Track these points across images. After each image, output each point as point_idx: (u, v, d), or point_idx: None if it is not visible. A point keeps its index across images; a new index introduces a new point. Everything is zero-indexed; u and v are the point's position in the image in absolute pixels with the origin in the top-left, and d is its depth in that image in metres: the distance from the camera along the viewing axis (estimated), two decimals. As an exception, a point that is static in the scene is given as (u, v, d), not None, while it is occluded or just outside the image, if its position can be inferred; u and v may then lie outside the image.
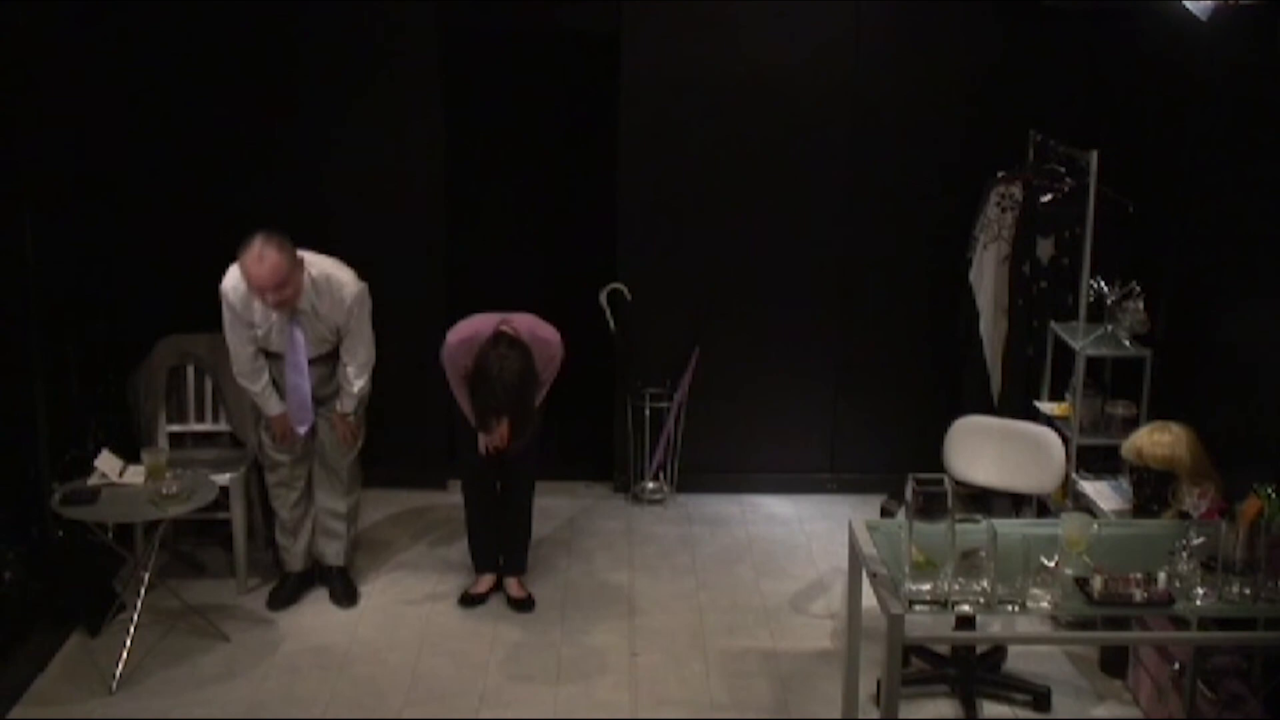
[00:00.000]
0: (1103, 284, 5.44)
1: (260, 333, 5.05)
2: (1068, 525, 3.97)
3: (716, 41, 6.15)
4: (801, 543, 6.07)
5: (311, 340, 5.08)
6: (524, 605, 5.38)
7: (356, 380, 5.17)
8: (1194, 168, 5.31)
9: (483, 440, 5.13)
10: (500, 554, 5.47)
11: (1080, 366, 5.34)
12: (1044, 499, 5.47)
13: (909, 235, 6.33)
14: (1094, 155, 5.37)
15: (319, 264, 5.01)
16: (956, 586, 3.71)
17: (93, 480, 4.96)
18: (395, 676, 4.86)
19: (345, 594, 5.38)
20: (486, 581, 5.45)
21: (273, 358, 5.14)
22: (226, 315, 5.01)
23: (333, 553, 5.42)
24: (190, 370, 5.67)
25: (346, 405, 5.20)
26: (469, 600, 5.40)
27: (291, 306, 4.94)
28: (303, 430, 5.17)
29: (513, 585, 5.43)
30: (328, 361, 5.19)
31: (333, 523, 5.38)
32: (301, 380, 5.09)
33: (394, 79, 6.11)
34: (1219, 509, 4.32)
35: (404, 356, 5.73)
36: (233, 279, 4.96)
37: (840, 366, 6.49)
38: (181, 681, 4.78)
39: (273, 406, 5.16)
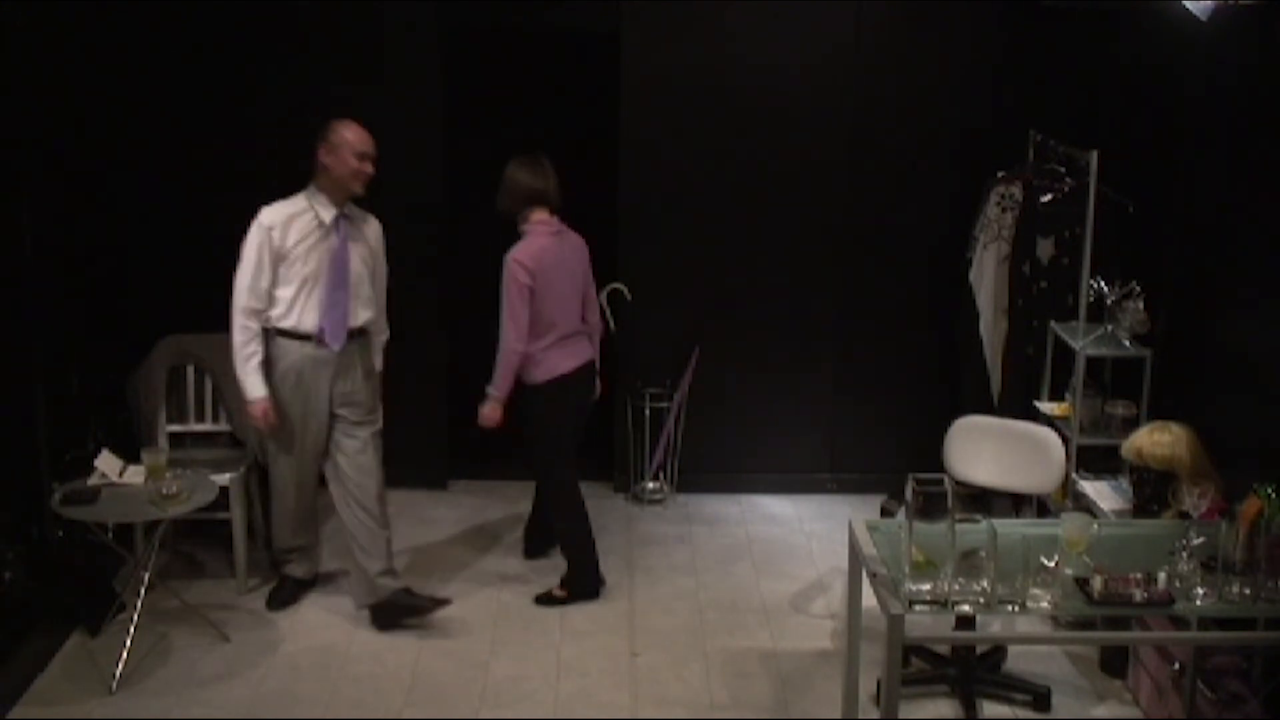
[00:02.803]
0: (1103, 284, 5.44)
1: (298, 250, 4.92)
2: (1068, 525, 3.97)
3: (717, 41, 6.15)
4: (801, 543, 6.07)
5: (353, 261, 5.02)
6: (542, 599, 5.44)
7: (385, 331, 5.30)
8: (1194, 168, 5.31)
9: (492, 413, 5.22)
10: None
11: (1080, 366, 5.34)
12: (1044, 499, 5.47)
13: (909, 235, 6.33)
14: (1094, 155, 5.37)
15: None
16: (956, 586, 3.71)
17: (93, 480, 4.95)
18: (395, 676, 4.86)
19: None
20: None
21: (290, 336, 5.02)
22: (254, 249, 4.90)
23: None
24: (190, 370, 5.67)
25: (379, 361, 5.29)
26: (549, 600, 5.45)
27: (362, 186, 5.01)
28: (336, 348, 5.00)
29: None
30: (354, 338, 5.09)
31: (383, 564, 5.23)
32: (344, 294, 4.98)
33: (394, 79, 6.11)
34: (1219, 509, 4.32)
35: (404, 357, 5.72)
36: (273, 211, 4.95)
37: (840, 366, 6.49)
38: (181, 681, 4.78)
39: (256, 387, 4.97)
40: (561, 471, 5.38)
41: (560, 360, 5.24)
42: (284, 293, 4.95)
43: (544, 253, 5.17)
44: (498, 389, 5.19)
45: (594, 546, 5.50)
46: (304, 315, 4.97)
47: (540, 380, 5.22)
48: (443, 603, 5.21)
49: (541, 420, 5.29)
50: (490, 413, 5.23)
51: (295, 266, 4.94)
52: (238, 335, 4.97)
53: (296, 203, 4.99)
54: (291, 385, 5.02)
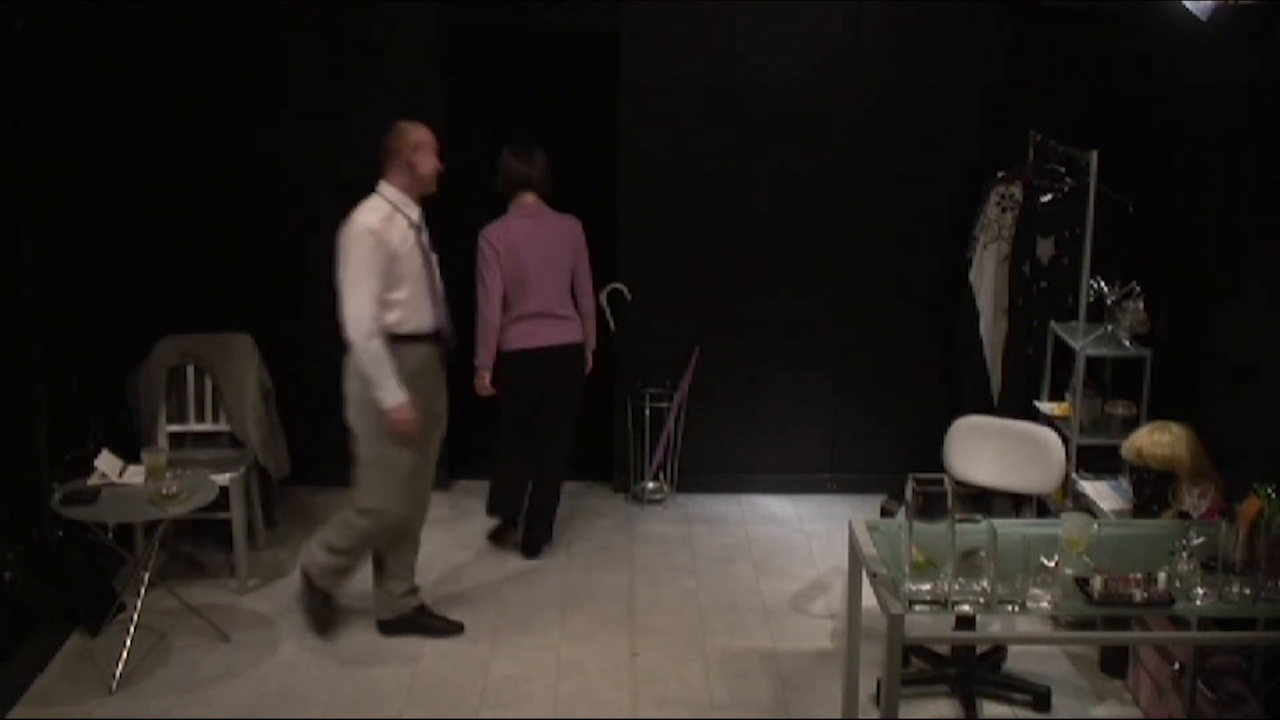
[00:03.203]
0: (1103, 284, 5.44)
1: (404, 250, 4.68)
2: (1068, 525, 3.97)
3: (716, 41, 6.15)
4: (801, 543, 6.07)
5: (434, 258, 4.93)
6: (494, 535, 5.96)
7: None
8: (1194, 168, 5.31)
9: (480, 381, 5.57)
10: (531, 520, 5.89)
11: (1080, 366, 5.34)
12: (1044, 499, 5.47)
13: (909, 235, 6.33)
14: (1094, 155, 5.37)
15: None
16: (956, 586, 3.71)
17: (93, 480, 4.95)
18: (395, 676, 4.86)
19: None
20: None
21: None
22: (366, 254, 4.59)
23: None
24: (190, 370, 5.67)
25: None
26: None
27: (435, 183, 4.83)
28: (454, 344, 4.96)
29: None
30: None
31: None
32: (441, 291, 4.88)
33: (394, 79, 6.11)
34: (1219, 509, 4.32)
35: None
36: (368, 215, 4.66)
37: (840, 366, 6.49)
38: (181, 681, 4.79)
39: (397, 392, 4.64)
40: (509, 435, 5.75)
41: (523, 335, 5.53)
42: (399, 295, 4.70)
43: (510, 234, 5.46)
44: (480, 359, 5.52)
45: (514, 498, 5.88)
46: (422, 315, 4.79)
47: (503, 349, 5.55)
48: (456, 628, 5.18)
49: (501, 384, 5.60)
50: (480, 382, 5.57)
51: (407, 267, 4.71)
52: (369, 343, 4.61)
53: (380, 205, 4.72)
54: (415, 391, 4.74)
